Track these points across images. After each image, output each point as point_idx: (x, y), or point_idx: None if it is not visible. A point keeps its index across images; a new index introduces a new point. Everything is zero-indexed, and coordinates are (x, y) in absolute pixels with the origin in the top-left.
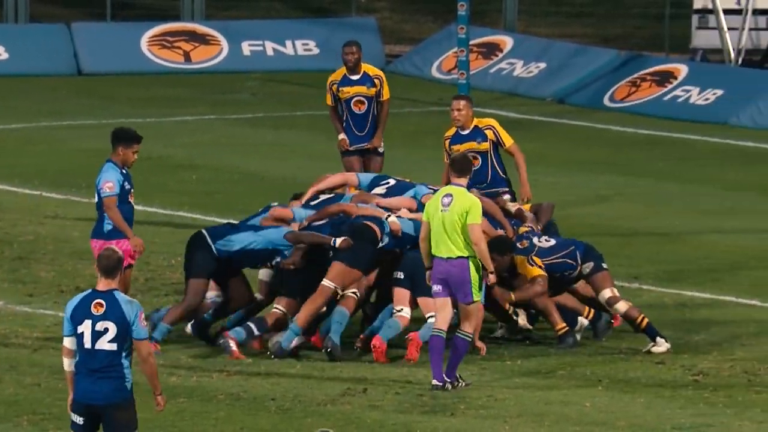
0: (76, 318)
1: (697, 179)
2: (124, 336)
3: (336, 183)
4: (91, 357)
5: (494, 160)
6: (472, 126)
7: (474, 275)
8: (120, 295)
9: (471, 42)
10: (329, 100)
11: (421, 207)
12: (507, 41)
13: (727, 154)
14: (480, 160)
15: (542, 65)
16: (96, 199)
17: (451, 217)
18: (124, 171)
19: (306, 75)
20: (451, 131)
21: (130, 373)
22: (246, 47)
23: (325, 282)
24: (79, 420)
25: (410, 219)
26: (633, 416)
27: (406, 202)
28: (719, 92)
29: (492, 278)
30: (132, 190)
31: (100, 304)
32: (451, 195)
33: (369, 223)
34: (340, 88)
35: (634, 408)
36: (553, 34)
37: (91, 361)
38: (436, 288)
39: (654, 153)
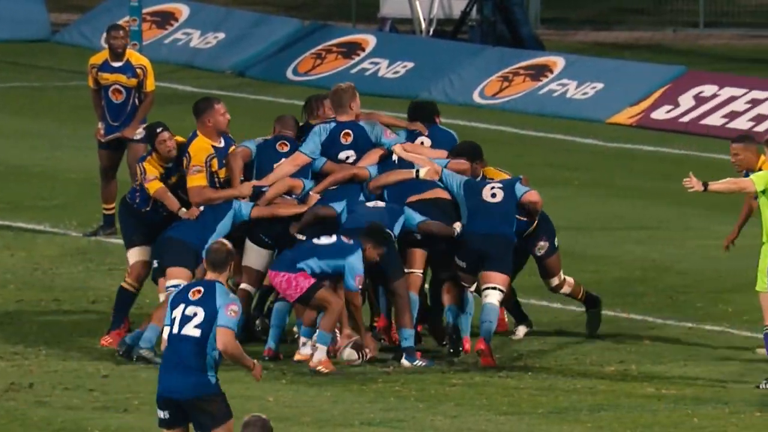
0: (174, 304)
1: None
2: (211, 325)
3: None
4: (176, 343)
5: None
6: None
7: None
8: (221, 287)
9: (144, 10)
10: (90, 83)
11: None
12: (182, 10)
13: None
14: None
15: (220, 35)
16: None
17: None
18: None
19: None
20: None
21: (215, 371)
22: None
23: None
24: (163, 414)
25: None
26: (319, 411)
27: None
28: (409, 65)
29: None
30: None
31: (199, 291)
32: None
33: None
34: (100, 73)
35: (321, 402)
36: (231, 2)
37: (173, 348)
38: None
39: None
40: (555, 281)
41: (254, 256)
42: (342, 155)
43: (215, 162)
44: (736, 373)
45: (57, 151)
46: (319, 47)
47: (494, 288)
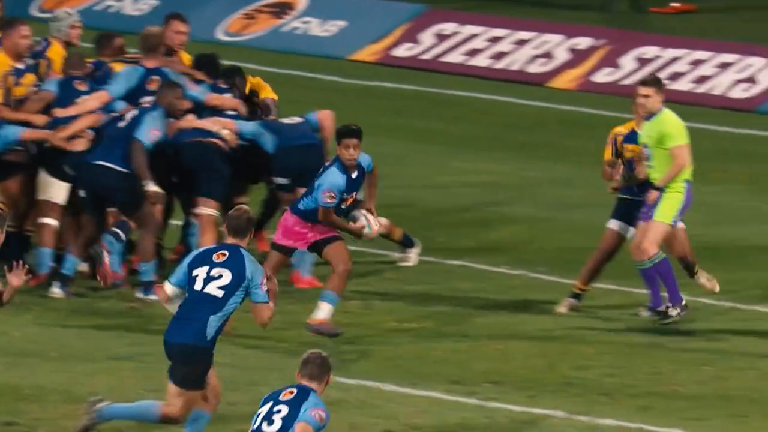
0: (194, 264)
1: None
2: (235, 289)
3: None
4: (194, 300)
5: None
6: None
7: None
8: (246, 253)
9: None
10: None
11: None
12: None
13: None
14: None
15: (152, 1)
16: None
17: None
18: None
19: None
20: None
21: (215, 332)
22: None
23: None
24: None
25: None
26: (65, 346)
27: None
28: (154, 2)
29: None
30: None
31: (223, 254)
32: None
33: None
34: None
35: (67, 338)
36: None
37: (191, 304)
38: None
39: None
40: None
41: (55, 189)
42: (143, 100)
43: (11, 79)
44: (477, 307)
45: None
46: (251, 7)
47: None
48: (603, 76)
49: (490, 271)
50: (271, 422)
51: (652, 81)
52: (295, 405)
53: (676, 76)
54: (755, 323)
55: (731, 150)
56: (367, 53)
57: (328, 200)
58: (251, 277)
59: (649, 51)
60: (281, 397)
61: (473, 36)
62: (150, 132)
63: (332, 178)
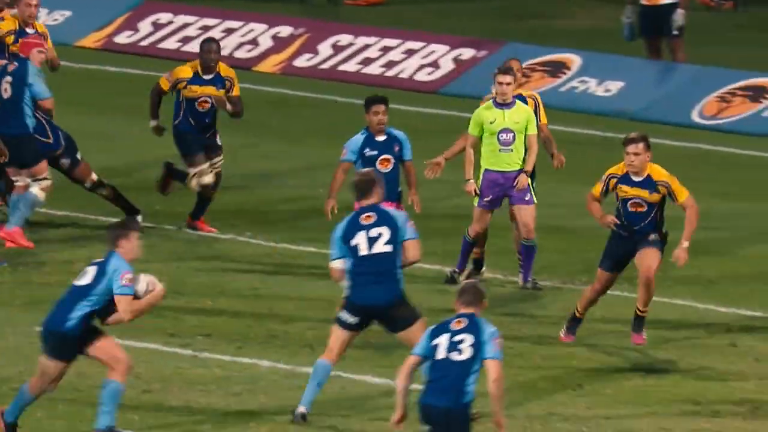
0: (348, 234)
1: None
2: (397, 239)
3: None
4: (368, 262)
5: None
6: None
7: None
8: (385, 207)
9: None
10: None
11: None
12: None
13: None
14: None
15: None
16: None
17: None
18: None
19: None
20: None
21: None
22: None
23: None
24: (353, 320)
25: None
26: None
27: None
28: None
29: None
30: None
31: (370, 216)
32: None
33: None
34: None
35: None
36: None
37: (368, 266)
38: None
39: None
40: (89, 183)
41: None
42: None
43: None
44: (190, 268)
45: None
46: None
47: (37, 179)
48: (303, 62)
49: (201, 235)
50: (459, 351)
51: (510, 70)
52: (475, 332)
53: (367, 62)
54: (437, 284)
55: (419, 128)
56: (91, 40)
57: (342, 156)
58: (402, 225)
59: (343, 39)
60: (454, 327)
61: (186, 25)
62: None
63: (352, 138)
